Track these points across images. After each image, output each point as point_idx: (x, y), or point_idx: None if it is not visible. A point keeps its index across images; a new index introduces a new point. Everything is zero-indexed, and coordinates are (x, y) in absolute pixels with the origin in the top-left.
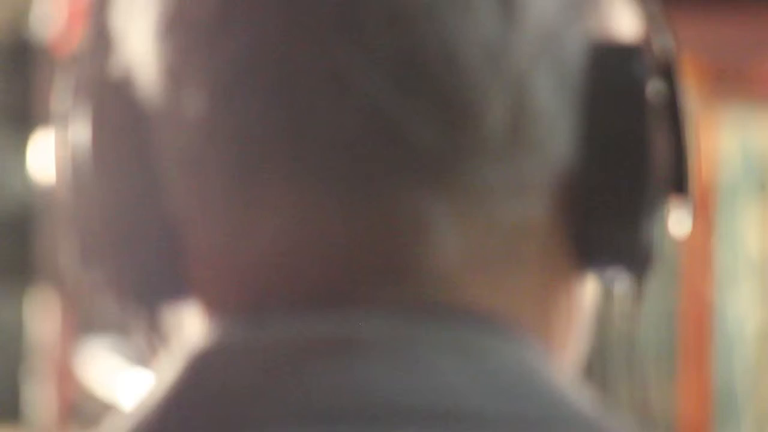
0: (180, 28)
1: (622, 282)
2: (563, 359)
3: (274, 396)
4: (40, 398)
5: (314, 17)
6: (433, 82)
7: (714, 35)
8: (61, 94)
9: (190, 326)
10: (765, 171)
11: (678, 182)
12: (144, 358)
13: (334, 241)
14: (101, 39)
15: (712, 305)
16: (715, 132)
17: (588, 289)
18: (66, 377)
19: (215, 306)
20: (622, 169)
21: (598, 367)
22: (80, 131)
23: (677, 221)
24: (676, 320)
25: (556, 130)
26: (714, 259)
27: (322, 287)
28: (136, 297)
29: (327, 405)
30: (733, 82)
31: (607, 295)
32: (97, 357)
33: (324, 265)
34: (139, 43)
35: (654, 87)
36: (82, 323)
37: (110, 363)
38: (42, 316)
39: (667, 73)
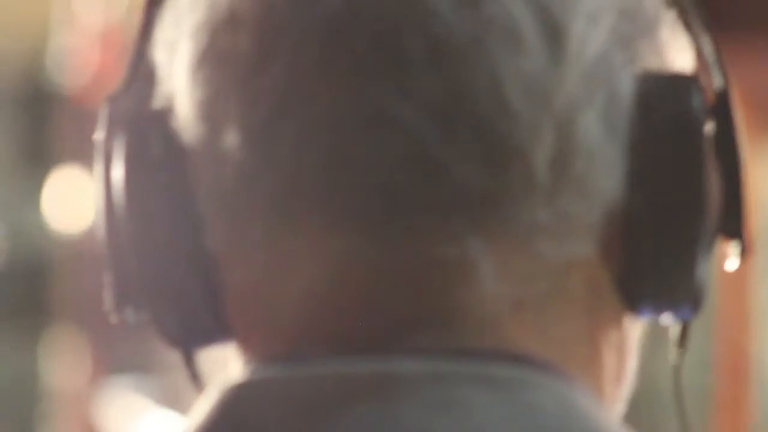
0: (215, 62)
1: (668, 324)
2: (608, 402)
3: None
4: None
5: (354, 53)
6: (478, 121)
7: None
8: (100, 129)
9: (228, 366)
10: None
11: (731, 225)
12: (168, 398)
13: (373, 285)
14: (140, 72)
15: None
16: (755, 172)
17: (633, 331)
18: (83, 422)
19: (252, 347)
20: (673, 208)
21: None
22: (118, 166)
23: (728, 265)
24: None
25: (604, 168)
26: (751, 305)
27: (361, 332)
28: (173, 337)
29: None
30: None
31: (652, 338)
32: (119, 397)
33: (362, 309)
34: (177, 77)
35: (708, 124)
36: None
37: (133, 403)
38: (58, 361)
39: (721, 110)
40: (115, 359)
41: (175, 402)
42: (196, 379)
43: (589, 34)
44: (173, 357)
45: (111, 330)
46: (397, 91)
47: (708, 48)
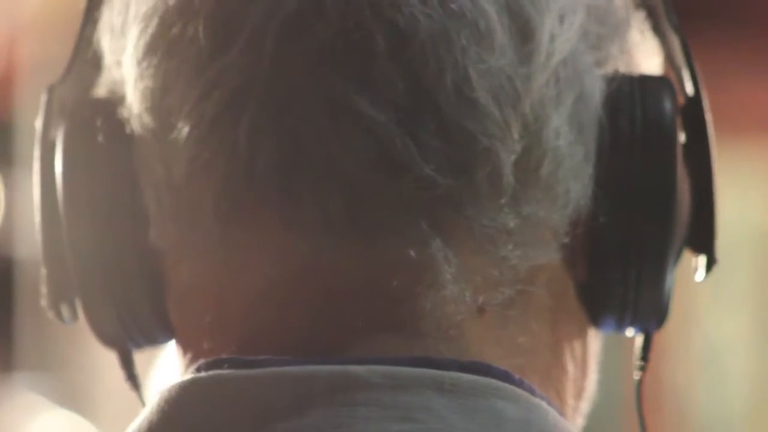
0: (166, 50)
1: (630, 335)
2: (569, 415)
3: None
4: None
5: (316, 43)
6: (444, 118)
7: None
8: (40, 118)
9: (170, 366)
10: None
11: (699, 237)
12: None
13: (330, 285)
14: (85, 58)
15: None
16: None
17: (596, 344)
18: None
19: (196, 347)
20: (640, 217)
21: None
22: (58, 156)
23: (696, 277)
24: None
25: (572, 172)
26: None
27: (315, 333)
28: (111, 336)
29: None
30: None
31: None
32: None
33: (319, 310)
34: (124, 65)
35: (679, 129)
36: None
37: (31, 402)
38: None
39: (693, 115)
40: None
41: (74, 401)
42: (133, 381)
43: (559, 33)
44: (72, 355)
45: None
46: (360, 84)
47: (679, 52)
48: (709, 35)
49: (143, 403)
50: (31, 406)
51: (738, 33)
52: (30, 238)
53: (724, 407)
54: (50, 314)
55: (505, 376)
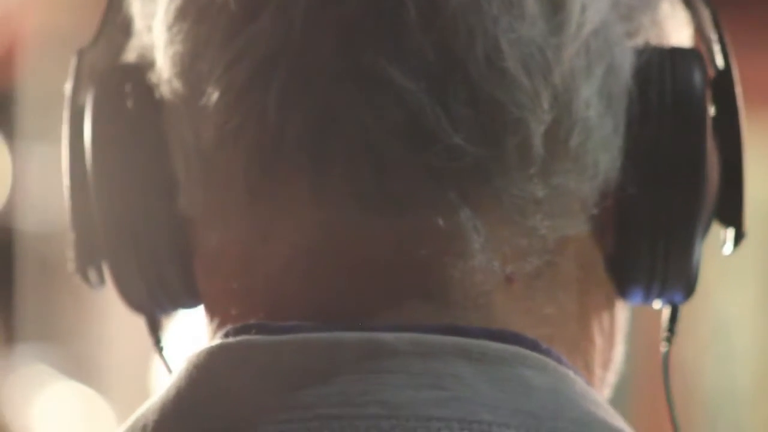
0: (196, 16)
1: (659, 306)
2: (596, 385)
3: (284, 402)
4: None
5: (347, 10)
6: (474, 88)
7: None
8: (69, 83)
9: (199, 331)
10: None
11: (727, 210)
12: (73, 368)
13: (358, 254)
14: (115, 23)
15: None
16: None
17: (623, 315)
18: None
19: (224, 314)
20: (669, 189)
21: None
22: (87, 121)
23: (723, 250)
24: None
25: (601, 143)
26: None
27: (343, 301)
28: (138, 301)
29: (344, 413)
30: None
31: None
32: (23, 367)
33: (346, 277)
34: (155, 31)
35: (708, 102)
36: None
37: (37, 373)
38: None
39: (722, 89)
40: (17, 328)
41: (79, 372)
42: (159, 347)
43: (590, 4)
44: (77, 325)
45: (11, 298)
46: (391, 53)
47: (709, 24)
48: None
49: (168, 369)
50: (36, 377)
51: None
52: (32, 210)
53: (731, 382)
54: (78, 278)
55: (534, 345)
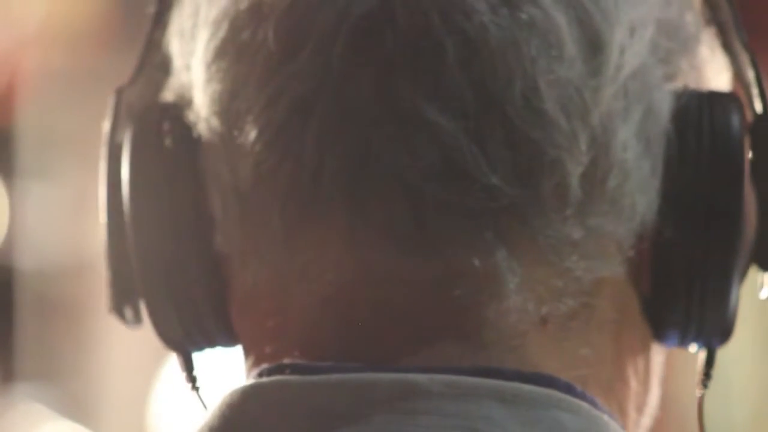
0: (235, 54)
1: (694, 351)
2: (631, 428)
3: None
4: None
5: (385, 49)
6: (512, 128)
7: None
8: (108, 121)
9: (233, 369)
10: None
11: (765, 255)
12: (71, 408)
13: (394, 294)
14: (153, 62)
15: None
16: None
17: (659, 358)
18: None
19: (258, 352)
20: (707, 233)
21: None
22: (126, 159)
23: (762, 294)
24: None
25: (638, 186)
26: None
27: (378, 340)
28: (173, 339)
29: None
30: None
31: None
32: (20, 406)
33: (382, 318)
34: (193, 69)
35: (747, 147)
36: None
37: (35, 413)
38: None
39: (761, 133)
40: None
41: (76, 411)
42: (193, 384)
43: (629, 46)
44: (74, 365)
45: (9, 337)
46: (428, 92)
47: (748, 68)
48: None
49: (204, 407)
50: (33, 416)
51: None
52: (31, 248)
53: (728, 419)
54: (115, 317)
55: (568, 388)
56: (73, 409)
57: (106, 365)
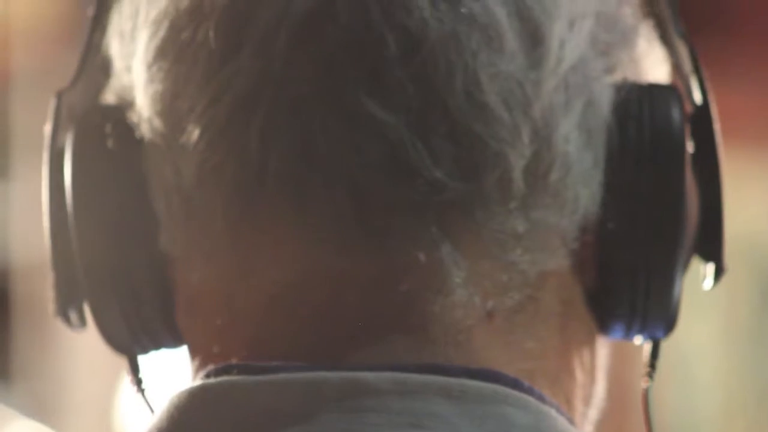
0: (176, 54)
1: (638, 342)
2: (577, 421)
3: None
4: None
5: (326, 46)
6: (454, 122)
7: None
8: (49, 124)
9: (179, 371)
10: None
11: (707, 245)
12: (32, 407)
13: (340, 290)
14: (94, 64)
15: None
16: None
17: (604, 350)
18: None
19: (205, 353)
20: (649, 224)
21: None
22: (67, 162)
23: (705, 285)
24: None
25: (581, 178)
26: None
27: (325, 338)
28: (119, 342)
29: None
30: None
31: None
32: None
33: (327, 314)
34: (134, 70)
35: (687, 138)
36: None
37: None
38: None
39: (701, 124)
40: None
41: (41, 412)
42: (140, 387)
43: (569, 39)
44: (39, 365)
45: None
46: (371, 87)
47: (687, 60)
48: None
49: (150, 410)
50: None
51: (744, 40)
52: None
53: (693, 413)
54: (59, 320)
55: (514, 384)
56: (37, 408)
57: (70, 364)
